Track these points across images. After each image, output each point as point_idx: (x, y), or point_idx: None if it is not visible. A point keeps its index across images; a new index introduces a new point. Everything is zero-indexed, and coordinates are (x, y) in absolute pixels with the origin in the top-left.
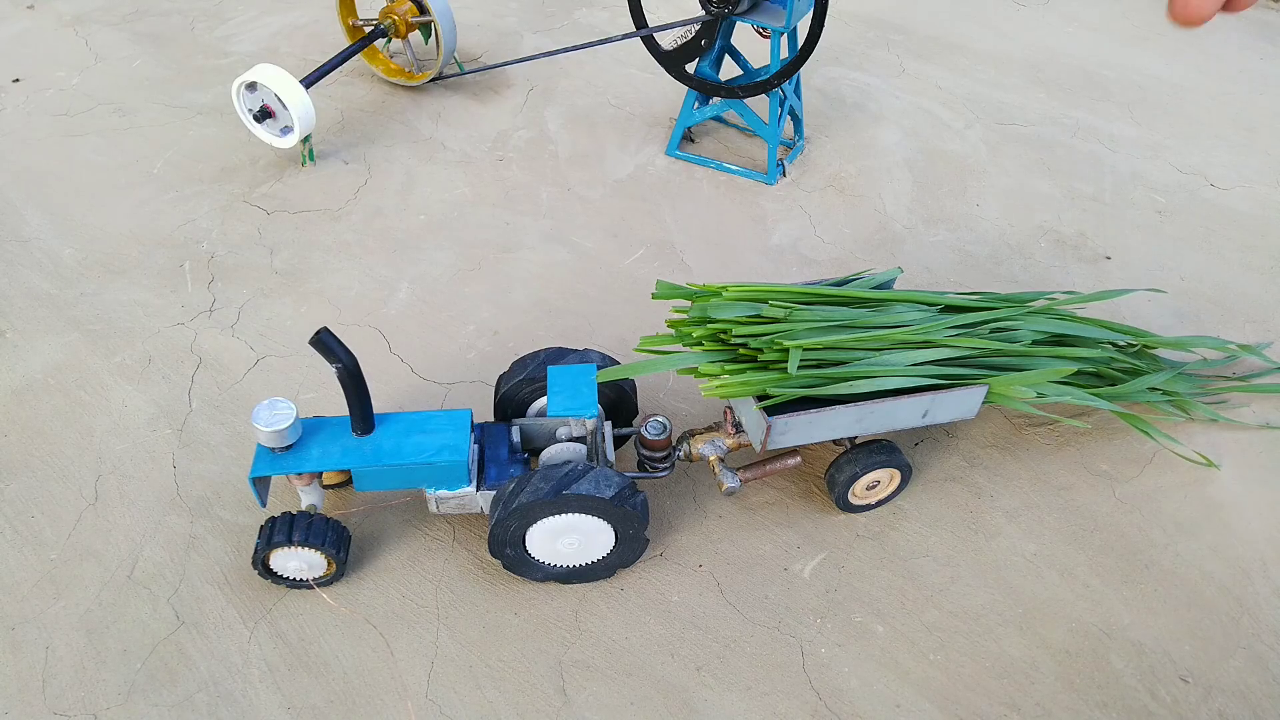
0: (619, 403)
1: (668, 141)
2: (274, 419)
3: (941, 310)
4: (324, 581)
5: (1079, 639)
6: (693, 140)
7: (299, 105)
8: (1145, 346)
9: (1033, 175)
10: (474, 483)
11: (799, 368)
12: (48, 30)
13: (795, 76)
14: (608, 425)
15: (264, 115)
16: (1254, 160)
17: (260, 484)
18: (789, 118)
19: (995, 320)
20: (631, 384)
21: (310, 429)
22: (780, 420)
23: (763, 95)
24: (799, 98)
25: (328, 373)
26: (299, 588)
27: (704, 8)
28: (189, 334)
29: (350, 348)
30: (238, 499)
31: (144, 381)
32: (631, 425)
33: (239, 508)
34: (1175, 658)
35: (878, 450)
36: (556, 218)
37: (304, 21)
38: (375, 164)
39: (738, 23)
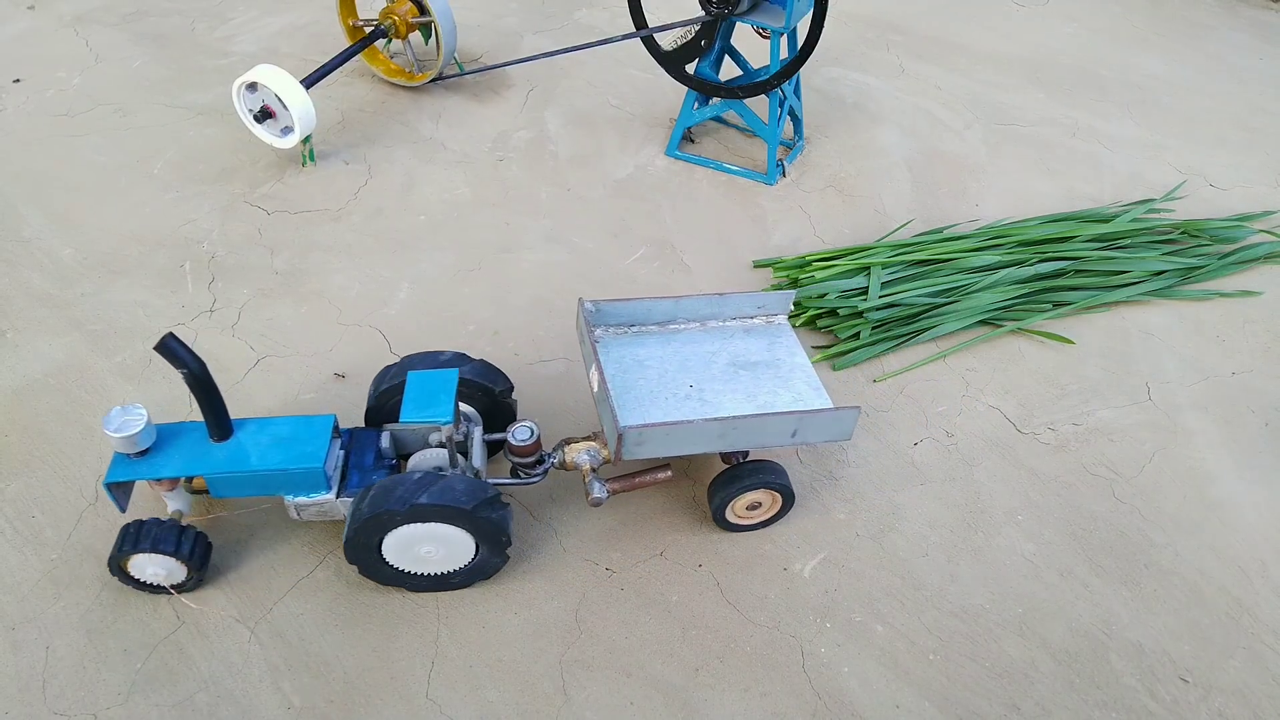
0: (494, 408)
1: (668, 141)
2: (124, 424)
3: (1019, 244)
4: (184, 588)
5: (1079, 639)
6: (693, 140)
7: (299, 105)
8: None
9: (1033, 175)
10: (334, 490)
11: (879, 329)
12: (48, 30)
13: (795, 77)
14: (478, 430)
15: (264, 115)
16: (1254, 160)
17: (118, 490)
18: (789, 118)
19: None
20: (508, 388)
21: (167, 434)
22: (633, 430)
23: (763, 95)
24: (799, 98)
25: (329, 373)
26: (159, 593)
27: (704, 8)
28: (189, 334)
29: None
30: (238, 499)
31: (144, 381)
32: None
33: (239, 508)
34: (1175, 658)
35: (762, 471)
36: (556, 218)
37: (304, 21)
38: (375, 164)
39: (738, 23)
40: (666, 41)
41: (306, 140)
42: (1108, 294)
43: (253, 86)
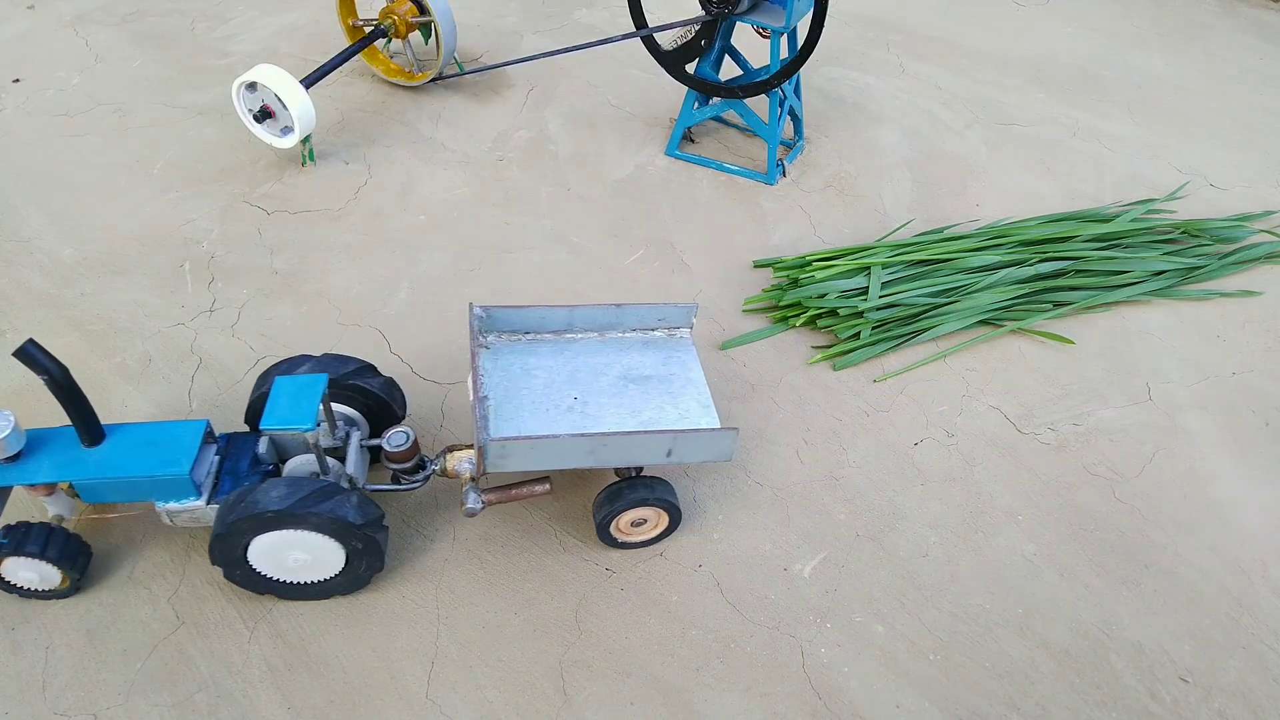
0: (379, 411)
1: (668, 141)
2: None
3: (1020, 244)
4: (61, 594)
5: (1079, 639)
6: (693, 140)
7: (299, 105)
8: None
9: (1033, 175)
10: (205, 496)
11: (879, 329)
12: (48, 30)
13: (795, 76)
14: (357, 435)
15: (264, 115)
16: (1254, 160)
17: None
18: (789, 118)
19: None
20: (397, 396)
21: (38, 440)
22: (495, 443)
23: (763, 95)
24: (799, 98)
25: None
26: (37, 598)
27: (704, 8)
28: (189, 334)
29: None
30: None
31: (144, 381)
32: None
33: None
34: (1175, 658)
35: (648, 487)
36: (556, 218)
37: (304, 21)
38: (375, 164)
39: (738, 23)
40: (666, 41)
41: (306, 140)
42: (1108, 294)
43: (252, 86)
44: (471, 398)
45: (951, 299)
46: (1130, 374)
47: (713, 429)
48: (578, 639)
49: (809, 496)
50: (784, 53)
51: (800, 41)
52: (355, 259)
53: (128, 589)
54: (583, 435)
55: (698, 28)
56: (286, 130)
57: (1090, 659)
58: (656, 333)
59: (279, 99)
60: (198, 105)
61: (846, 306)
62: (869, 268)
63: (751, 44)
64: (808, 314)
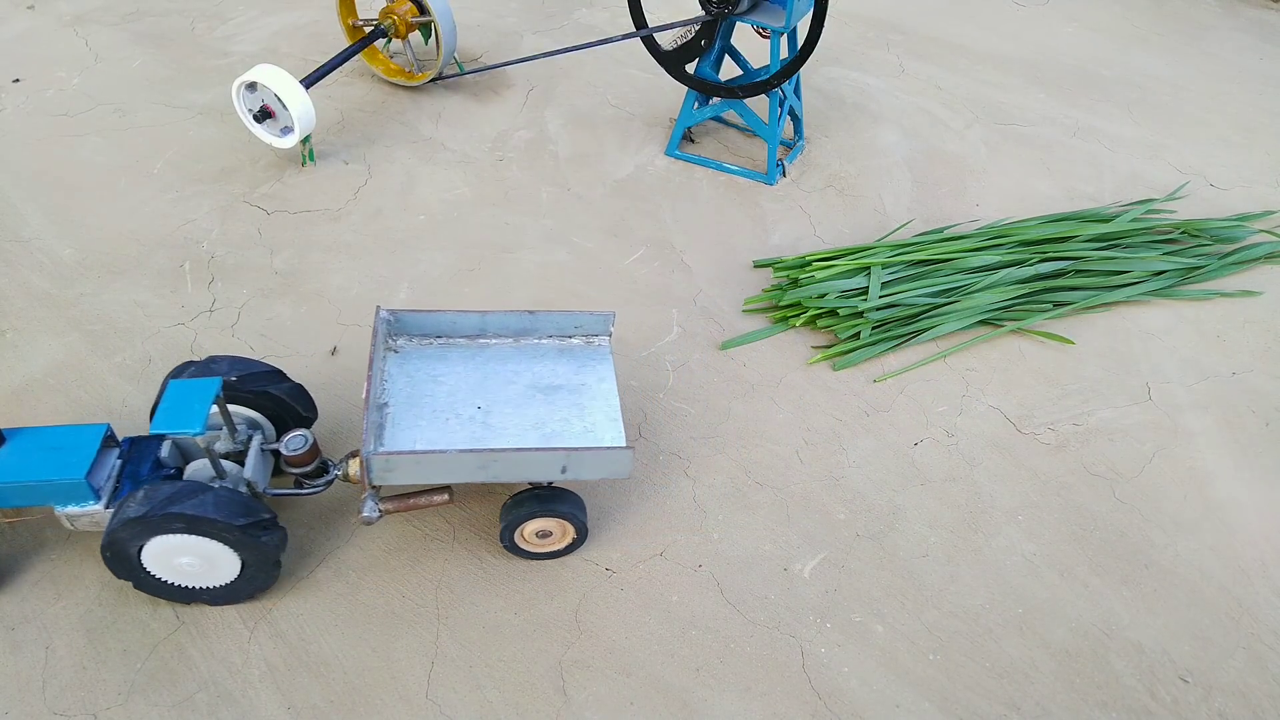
0: (281, 413)
1: (668, 141)
2: None
3: (1019, 244)
4: None
5: (1079, 639)
6: (693, 140)
7: (299, 105)
8: (1190, 233)
9: (1033, 175)
10: (104, 500)
11: (879, 329)
12: (48, 30)
13: (795, 76)
14: (257, 438)
15: (264, 115)
16: (1254, 160)
17: None
18: (789, 118)
19: (1060, 251)
20: (300, 395)
21: None
22: (379, 457)
23: (763, 95)
24: (799, 98)
25: (330, 373)
26: None
27: (704, 8)
28: (189, 334)
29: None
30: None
31: (144, 381)
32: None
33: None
34: (1175, 658)
35: (555, 499)
36: (556, 218)
37: (304, 21)
38: (375, 164)
39: (738, 23)
40: (666, 41)
41: (306, 140)
42: (1108, 294)
43: (252, 86)
44: (364, 405)
45: (951, 299)
46: (1130, 374)
47: (604, 447)
48: (578, 639)
49: (809, 496)
50: (784, 53)
51: (800, 41)
52: (355, 259)
53: (128, 589)
54: (471, 451)
55: (698, 28)
56: (286, 130)
57: (1090, 659)
58: (574, 340)
59: (279, 99)
60: (198, 105)
61: (846, 306)
62: (869, 268)
63: (751, 44)
64: (808, 314)
